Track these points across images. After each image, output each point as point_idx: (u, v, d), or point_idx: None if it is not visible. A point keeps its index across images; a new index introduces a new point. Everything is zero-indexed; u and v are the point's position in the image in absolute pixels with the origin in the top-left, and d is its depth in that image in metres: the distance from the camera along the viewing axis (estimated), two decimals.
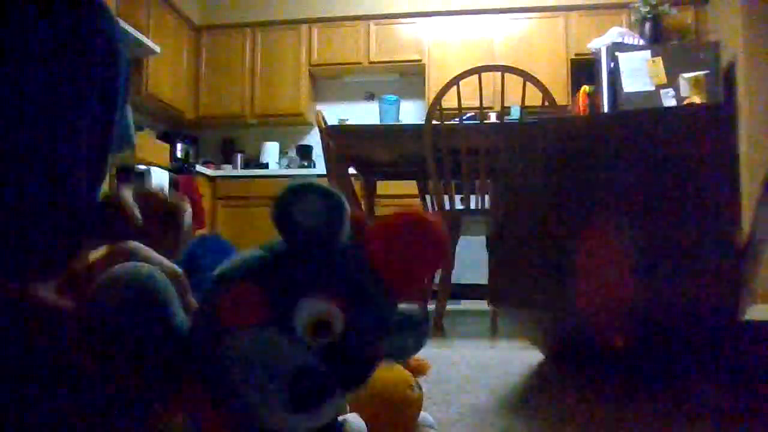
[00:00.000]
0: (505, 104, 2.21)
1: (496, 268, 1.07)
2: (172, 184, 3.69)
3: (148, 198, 0.57)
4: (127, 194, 0.56)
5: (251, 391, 0.36)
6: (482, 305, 2.65)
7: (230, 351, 0.36)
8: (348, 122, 4.22)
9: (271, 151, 4.85)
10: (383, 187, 3.04)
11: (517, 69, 2.14)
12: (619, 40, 3.95)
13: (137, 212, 0.55)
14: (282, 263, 0.39)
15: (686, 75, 3.66)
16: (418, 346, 0.44)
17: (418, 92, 4.78)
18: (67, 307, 0.37)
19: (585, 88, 4.05)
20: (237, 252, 0.69)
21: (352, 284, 0.39)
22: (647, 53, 3.79)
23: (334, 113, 4.46)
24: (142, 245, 0.42)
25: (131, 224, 0.55)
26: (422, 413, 0.71)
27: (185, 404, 0.38)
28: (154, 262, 0.40)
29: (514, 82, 2.13)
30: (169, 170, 3.72)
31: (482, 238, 1.48)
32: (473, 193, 2.17)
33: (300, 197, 0.38)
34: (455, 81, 2.08)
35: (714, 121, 0.90)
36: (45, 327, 0.37)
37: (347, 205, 0.38)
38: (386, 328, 0.41)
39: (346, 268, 0.39)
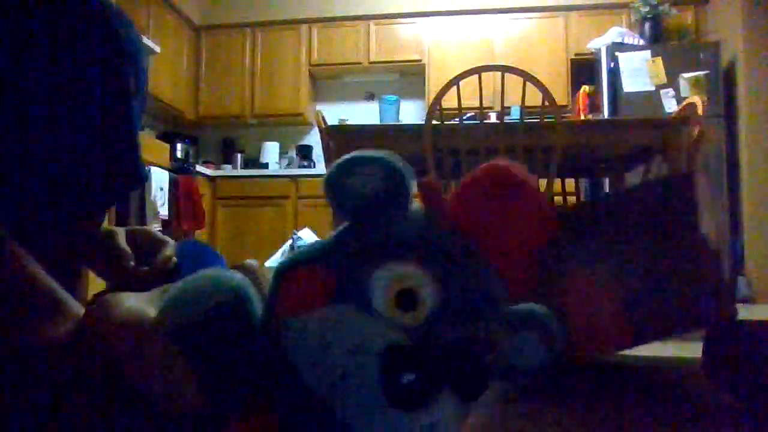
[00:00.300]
0: (505, 104, 2.21)
1: None
2: (172, 184, 3.69)
3: (136, 236, 0.62)
4: (121, 235, 0.60)
5: (330, 384, 0.29)
6: None
7: (295, 340, 0.30)
8: (348, 122, 4.22)
9: (271, 151, 4.85)
10: None
11: (517, 69, 2.14)
12: (619, 40, 3.95)
13: (130, 254, 0.59)
14: (346, 240, 0.33)
15: (686, 75, 3.67)
16: (547, 355, 0.34)
17: (418, 92, 4.78)
18: (147, 317, 0.34)
19: (585, 88, 4.05)
20: (219, 256, 0.70)
21: (435, 248, 0.32)
22: (647, 53, 3.79)
23: (334, 113, 4.46)
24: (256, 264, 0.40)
25: (124, 264, 0.59)
26: None
27: None
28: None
29: (514, 82, 2.13)
30: (169, 170, 3.71)
31: None
32: None
33: (351, 168, 0.33)
34: (455, 81, 2.08)
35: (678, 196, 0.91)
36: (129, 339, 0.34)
37: (408, 171, 0.33)
38: (494, 310, 0.32)
39: (425, 233, 0.32)
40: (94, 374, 0.33)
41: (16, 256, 0.41)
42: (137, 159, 0.57)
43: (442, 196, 0.34)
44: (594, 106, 3.97)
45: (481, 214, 0.33)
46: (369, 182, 0.33)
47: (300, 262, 0.33)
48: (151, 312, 0.34)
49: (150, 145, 3.74)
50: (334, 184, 0.33)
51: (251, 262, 0.39)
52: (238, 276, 0.33)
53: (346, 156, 0.33)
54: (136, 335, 0.33)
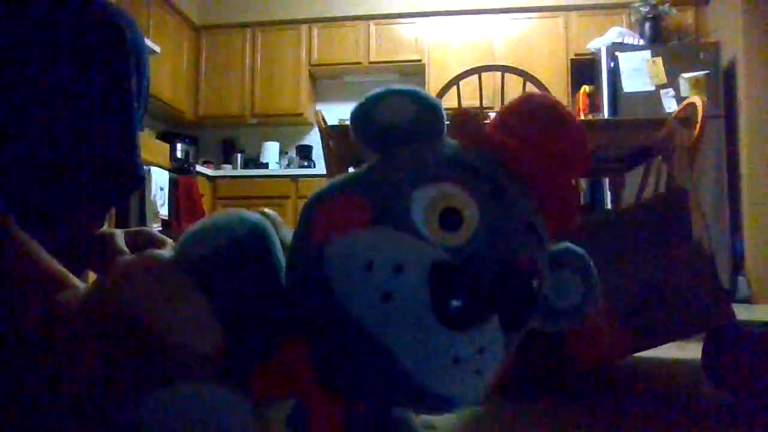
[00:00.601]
0: (505, 104, 2.20)
1: None
2: (172, 184, 3.69)
3: (136, 237, 0.62)
4: (119, 237, 0.60)
5: (372, 306, 0.27)
6: None
7: (333, 264, 0.28)
8: (348, 122, 4.22)
9: (271, 151, 4.85)
10: None
11: (517, 69, 2.14)
12: (619, 40, 3.95)
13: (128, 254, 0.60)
14: (380, 169, 0.31)
15: (686, 75, 3.66)
16: (590, 295, 0.34)
17: None
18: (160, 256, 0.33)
19: (585, 88, 4.05)
20: None
21: (475, 171, 0.30)
22: (647, 53, 3.79)
23: (334, 113, 4.45)
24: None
25: None
26: None
27: (288, 377, 0.30)
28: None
29: (514, 82, 2.13)
30: (169, 170, 3.71)
31: None
32: None
33: (380, 101, 0.32)
34: (455, 81, 2.08)
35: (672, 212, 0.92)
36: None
37: (439, 103, 0.32)
38: (537, 234, 0.31)
39: (464, 157, 0.31)
40: (115, 326, 0.32)
41: (18, 240, 0.41)
42: (137, 159, 0.57)
43: (480, 125, 0.32)
44: (594, 106, 3.97)
45: (521, 141, 0.32)
46: (400, 115, 0.31)
47: (334, 190, 0.31)
48: (168, 255, 0.33)
49: (150, 145, 3.74)
50: (362, 117, 0.32)
51: (270, 211, 0.38)
52: (256, 214, 0.32)
53: (375, 91, 0.32)
54: (153, 272, 0.32)
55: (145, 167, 2.77)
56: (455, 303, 0.27)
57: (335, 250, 0.28)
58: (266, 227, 0.32)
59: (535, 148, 0.32)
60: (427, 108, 0.32)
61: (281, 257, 0.32)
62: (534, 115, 0.33)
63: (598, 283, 0.34)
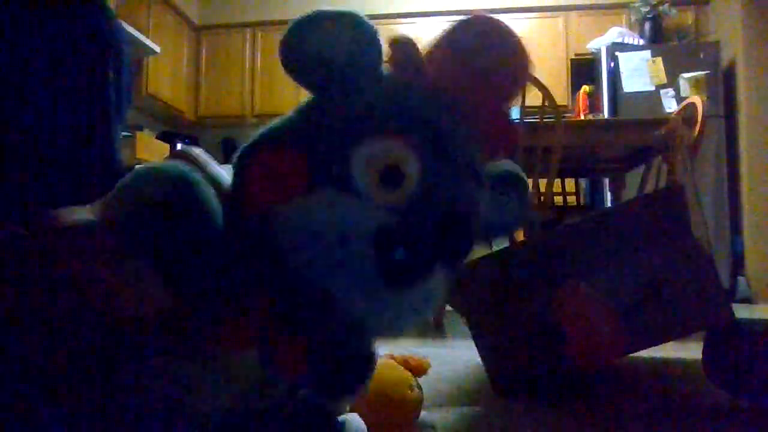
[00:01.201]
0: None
1: (493, 366, 1.02)
2: None
3: None
4: None
5: (327, 271, 0.27)
6: None
7: (280, 229, 0.27)
8: None
9: None
10: None
11: None
12: (619, 40, 3.95)
13: None
14: (313, 115, 0.30)
15: (686, 75, 3.66)
16: (522, 212, 0.34)
17: None
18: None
19: (585, 88, 4.04)
20: None
21: (415, 117, 0.28)
22: (647, 53, 3.79)
23: None
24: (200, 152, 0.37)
25: None
26: (422, 413, 0.71)
27: (248, 332, 0.29)
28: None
29: None
30: None
31: None
32: None
33: (313, 27, 0.29)
34: None
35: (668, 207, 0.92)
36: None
37: (376, 29, 0.29)
38: (477, 174, 0.30)
39: (402, 100, 0.29)
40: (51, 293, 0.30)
41: None
42: (114, 153, 0.55)
43: (416, 52, 0.31)
44: (594, 106, 3.96)
45: (458, 65, 0.30)
46: (334, 43, 0.29)
47: (269, 140, 0.30)
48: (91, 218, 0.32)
49: (150, 145, 3.74)
50: (292, 47, 0.30)
51: (194, 148, 0.36)
52: (177, 165, 0.30)
53: (306, 14, 0.29)
54: (75, 233, 0.30)
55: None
56: (401, 266, 0.27)
57: (281, 221, 0.27)
58: (190, 176, 0.30)
59: (476, 71, 0.30)
60: (364, 33, 0.29)
61: (214, 201, 0.30)
62: (476, 37, 0.31)
63: (531, 195, 0.34)
